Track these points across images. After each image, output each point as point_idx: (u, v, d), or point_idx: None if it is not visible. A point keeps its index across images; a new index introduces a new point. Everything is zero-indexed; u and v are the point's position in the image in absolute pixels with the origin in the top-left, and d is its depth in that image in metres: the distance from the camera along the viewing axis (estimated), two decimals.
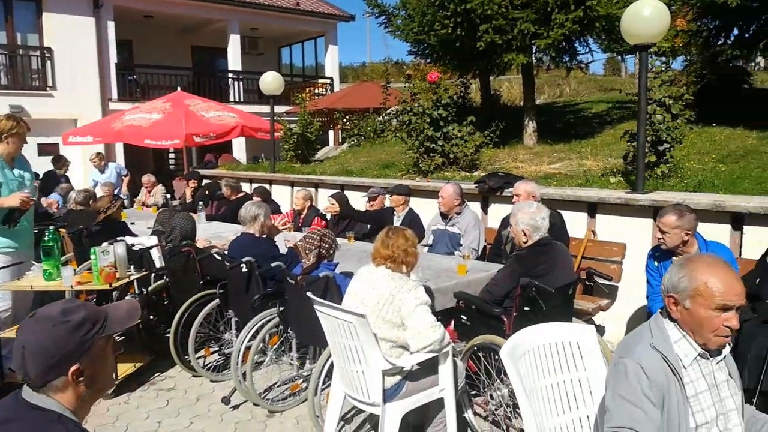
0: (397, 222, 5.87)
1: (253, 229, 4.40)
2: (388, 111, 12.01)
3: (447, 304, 3.84)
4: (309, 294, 3.16)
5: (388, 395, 3.00)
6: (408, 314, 2.95)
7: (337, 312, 2.95)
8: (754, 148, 6.54)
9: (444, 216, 5.37)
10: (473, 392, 3.73)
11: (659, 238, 3.65)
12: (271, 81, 8.84)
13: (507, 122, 7.88)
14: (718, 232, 4.34)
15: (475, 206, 5.92)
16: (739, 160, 6.13)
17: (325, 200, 6.81)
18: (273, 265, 4.04)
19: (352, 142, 12.14)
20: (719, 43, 8.57)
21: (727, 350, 1.92)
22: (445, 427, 3.23)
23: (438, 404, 3.23)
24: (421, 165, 7.26)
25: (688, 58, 10.30)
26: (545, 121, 9.53)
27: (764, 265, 3.61)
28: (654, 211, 4.67)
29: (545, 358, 2.39)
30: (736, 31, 8.44)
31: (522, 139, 8.48)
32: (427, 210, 6.03)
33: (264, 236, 4.43)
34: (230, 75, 17.77)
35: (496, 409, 3.59)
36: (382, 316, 2.96)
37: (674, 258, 3.74)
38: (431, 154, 7.19)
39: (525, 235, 3.42)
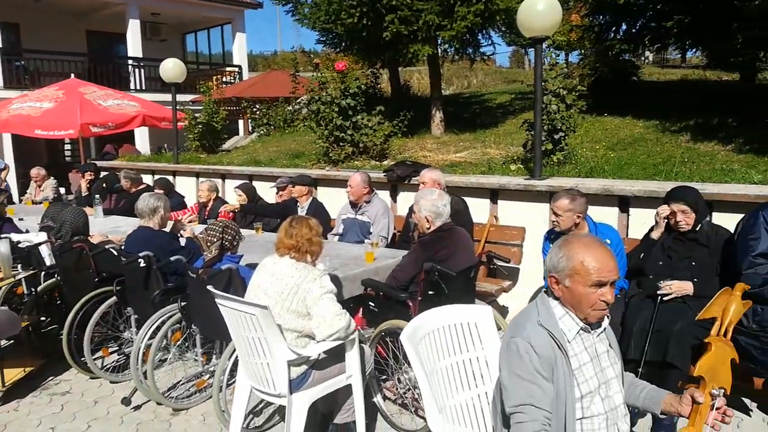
0: (300, 213, 5.83)
1: (152, 222, 4.21)
2: (298, 100, 11.85)
3: (355, 292, 3.86)
4: (209, 287, 3.06)
5: (295, 385, 2.98)
6: (313, 303, 2.93)
7: (238, 305, 2.88)
8: (641, 136, 7.03)
9: (353, 205, 5.39)
10: (383, 377, 3.78)
11: (553, 221, 3.84)
12: (172, 68, 8.47)
13: (416, 112, 8.00)
14: (607, 215, 4.64)
15: (384, 194, 5.98)
16: (627, 147, 6.57)
17: (232, 192, 6.64)
18: (172, 258, 3.89)
19: (262, 132, 11.89)
20: (610, 37, 9.12)
21: (606, 323, 2.06)
22: (354, 413, 3.25)
23: (346, 391, 3.25)
24: (331, 154, 7.24)
25: (583, 52, 10.90)
26: (452, 111, 9.77)
27: (647, 243, 3.90)
28: (550, 196, 4.88)
29: (445, 340, 2.46)
30: (624, 27, 9.03)
31: (430, 129, 8.64)
32: (337, 199, 6.03)
33: (164, 229, 4.24)
34: (130, 62, 16.88)
35: (404, 392, 3.66)
36: (287, 307, 2.93)
37: None
38: (341, 144, 7.18)
39: (428, 221, 3.49)
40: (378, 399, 3.68)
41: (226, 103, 12.52)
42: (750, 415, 3.61)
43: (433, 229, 3.50)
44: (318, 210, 5.70)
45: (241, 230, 3.78)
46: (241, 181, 6.79)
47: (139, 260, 3.89)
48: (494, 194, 5.41)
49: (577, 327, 1.96)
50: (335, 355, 3.11)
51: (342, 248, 4.67)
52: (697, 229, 3.63)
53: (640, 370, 3.33)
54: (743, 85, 9.01)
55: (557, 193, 3.89)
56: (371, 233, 5.18)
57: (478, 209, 5.34)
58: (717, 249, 3.60)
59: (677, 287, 3.52)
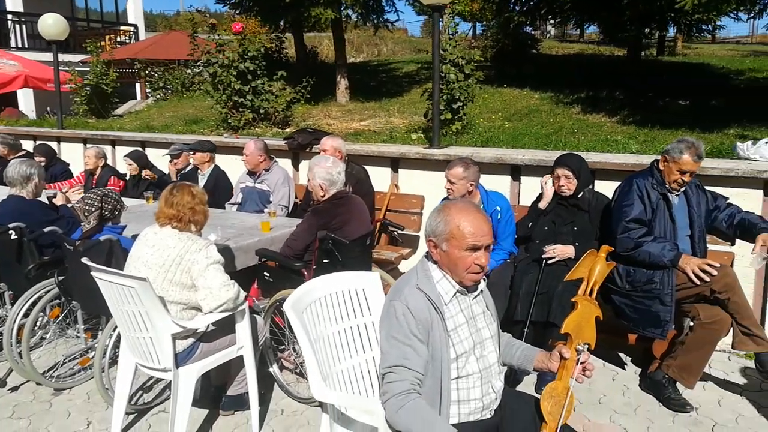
0: (202, 181, 5.61)
1: (25, 191, 3.87)
2: (197, 63, 11.30)
3: (249, 262, 3.77)
4: (85, 260, 2.87)
5: (181, 359, 2.88)
6: (199, 274, 2.82)
7: (116, 277, 2.72)
8: (536, 107, 7.32)
9: (252, 173, 5.24)
10: (281, 347, 3.75)
11: (448, 189, 3.91)
12: (52, 24, 7.77)
13: (321, 79, 7.87)
14: (500, 183, 4.80)
15: (285, 163, 5.86)
16: (524, 118, 6.82)
17: (122, 159, 6.24)
18: (46, 230, 3.61)
19: (158, 97, 11.26)
20: (510, 9, 9.34)
21: (482, 285, 2.12)
22: (247, 384, 3.20)
23: (239, 362, 3.19)
24: (230, 120, 6.97)
25: (486, 23, 11.11)
26: (359, 79, 9.70)
27: (534, 211, 4.07)
28: (447, 164, 5.00)
29: (331, 307, 2.45)
30: None
31: (335, 97, 8.54)
32: (237, 168, 5.83)
33: (37, 198, 3.91)
34: (9, 17, 15.34)
35: (302, 362, 3.65)
36: (170, 279, 2.81)
37: None
38: (240, 109, 6.93)
39: (322, 189, 3.44)
40: (274, 369, 3.65)
41: (119, 65, 11.72)
42: (625, 369, 3.91)
43: (328, 197, 3.46)
44: (219, 178, 5.50)
45: (134, 200, 3.57)
46: (132, 149, 6.39)
47: (10, 232, 3.58)
48: (395, 163, 5.44)
49: (453, 290, 2.00)
50: (225, 327, 3.03)
51: (237, 218, 4.54)
52: (579, 195, 3.82)
53: (525, 330, 3.50)
54: (630, 61, 9.56)
55: (452, 161, 3.96)
56: (271, 202, 5.07)
57: (380, 178, 5.36)
58: (597, 214, 3.81)
59: (560, 251, 3.71)
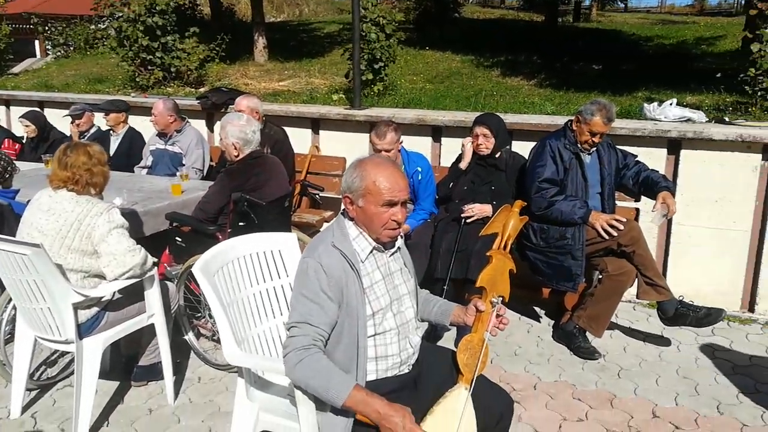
0: (114, 143, 5.27)
1: None
2: (102, 18, 10.51)
3: (160, 227, 3.58)
4: None
5: (85, 330, 2.70)
6: (101, 240, 2.63)
7: (6, 244, 2.49)
8: (457, 70, 7.34)
9: (163, 135, 4.95)
10: (198, 314, 3.61)
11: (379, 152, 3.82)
12: None
13: (239, 38, 7.53)
14: (422, 144, 4.79)
15: (199, 124, 5.59)
16: (445, 80, 6.83)
17: (18, 121, 5.74)
18: None
19: (59, 54, 10.41)
20: None
21: (400, 242, 2.09)
22: (159, 353, 3.06)
23: (151, 331, 3.04)
24: (138, 79, 6.54)
25: None
26: (278, 39, 9.37)
27: (455, 171, 4.09)
28: (370, 126, 4.93)
29: (245, 270, 2.36)
30: None
31: (253, 56, 8.20)
32: (147, 130, 5.49)
33: None
34: None
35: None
36: (67, 245, 2.60)
37: None
38: (149, 68, 6.51)
39: (235, 148, 3.29)
40: (190, 337, 3.52)
41: (14, 20, 10.72)
42: (539, 321, 4.06)
43: (242, 157, 3.31)
44: (135, 138, 5.20)
45: (32, 164, 3.26)
46: (29, 109, 5.88)
47: None
48: (315, 124, 5.30)
49: (370, 247, 1.96)
50: (133, 294, 2.86)
51: (146, 181, 4.29)
52: (497, 155, 3.87)
53: (445, 287, 3.54)
54: (547, 27, 9.76)
55: (379, 128, 3.83)
56: (184, 165, 4.83)
57: (300, 139, 5.22)
58: (513, 174, 3.88)
59: (478, 210, 3.76)
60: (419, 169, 3.98)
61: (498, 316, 2.05)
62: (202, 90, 6.50)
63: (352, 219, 1.98)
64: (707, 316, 3.36)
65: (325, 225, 5.08)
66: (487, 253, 2.16)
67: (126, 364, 3.28)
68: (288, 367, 1.82)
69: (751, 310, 4.10)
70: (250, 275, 2.37)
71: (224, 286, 2.21)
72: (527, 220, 2.42)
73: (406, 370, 2.05)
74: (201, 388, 3.22)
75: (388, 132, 3.76)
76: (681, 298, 3.50)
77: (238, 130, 3.26)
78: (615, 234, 3.37)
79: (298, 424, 1.94)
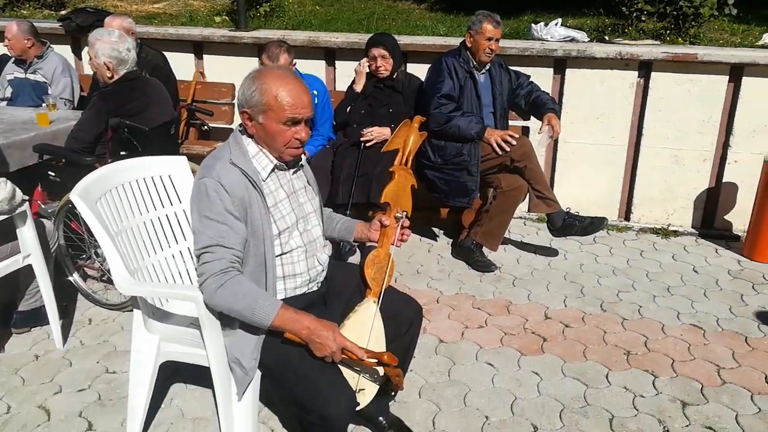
0: None
1: None
2: None
3: (27, 161, 3.22)
4: None
5: None
6: None
7: None
8: None
9: (21, 62, 4.39)
10: (82, 255, 3.34)
11: None
12: None
13: None
14: (315, 67, 4.60)
15: (64, 50, 5.00)
16: (335, 3, 6.57)
17: None
18: None
19: None
20: None
21: (303, 159, 2.00)
22: (41, 297, 2.81)
23: (28, 273, 2.77)
24: None
25: None
26: None
27: (351, 95, 3.99)
28: (258, 49, 4.67)
29: (133, 196, 2.18)
30: None
31: None
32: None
33: None
34: None
35: (108, 267, 3.29)
36: None
37: None
38: None
39: (109, 69, 2.96)
40: (76, 278, 3.27)
41: None
42: (437, 240, 4.18)
43: (117, 78, 2.99)
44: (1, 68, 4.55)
45: None
46: None
47: None
48: (198, 48, 4.93)
49: (271, 165, 1.86)
50: (2, 234, 2.57)
51: (5, 113, 3.81)
52: (394, 76, 3.81)
53: (347, 213, 3.51)
54: None
55: (272, 49, 3.60)
56: (50, 95, 4.33)
57: (182, 65, 4.83)
58: (410, 95, 3.86)
59: (377, 133, 3.72)
60: (315, 92, 3.83)
61: (402, 228, 2.05)
62: (63, 12, 5.79)
63: (251, 136, 1.85)
64: (591, 225, 3.60)
65: None
66: (390, 169, 2.13)
67: (3, 312, 2.99)
68: (207, 294, 1.71)
69: (627, 219, 4.46)
70: (138, 203, 2.19)
71: (110, 214, 2.02)
72: (426, 136, 2.40)
73: (315, 288, 2.01)
74: (93, 330, 3.02)
75: (281, 53, 3.56)
76: (568, 209, 3.71)
77: (110, 47, 2.92)
78: (508, 149, 3.48)
79: (204, 349, 1.86)
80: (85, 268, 3.40)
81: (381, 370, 1.88)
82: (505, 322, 3.11)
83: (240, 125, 1.90)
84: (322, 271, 2.02)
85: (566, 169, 4.45)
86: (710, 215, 4.30)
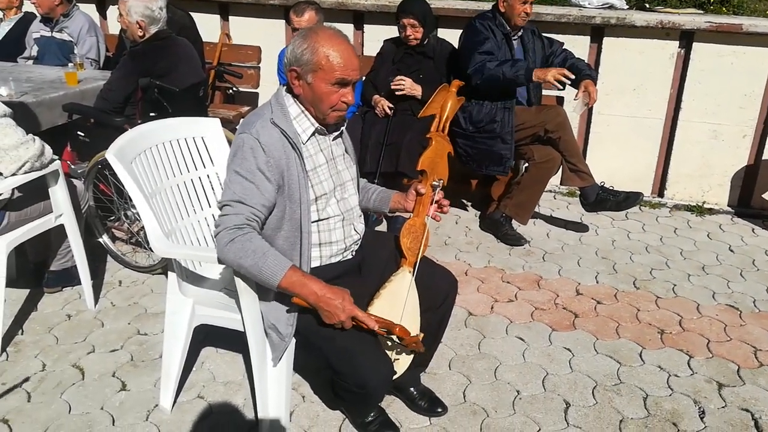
0: (4, 29, 4.61)
1: None
2: None
3: (57, 121, 3.20)
4: None
5: None
6: None
7: None
8: None
9: (48, 20, 4.36)
10: (111, 217, 3.34)
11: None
12: None
13: None
14: (342, 31, 4.48)
15: (89, 9, 4.95)
16: None
17: None
18: None
19: None
20: None
21: (344, 126, 1.95)
22: (73, 257, 2.82)
23: (60, 233, 2.77)
24: None
25: None
26: None
27: (380, 58, 3.90)
28: (285, 11, 4.56)
29: (167, 157, 2.15)
30: None
31: None
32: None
33: None
34: None
35: (138, 230, 3.30)
36: None
37: None
38: None
39: (140, 27, 2.90)
40: (105, 239, 3.28)
41: None
42: (467, 211, 4.12)
43: (148, 37, 2.93)
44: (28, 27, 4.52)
45: None
46: None
47: None
48: (224, 9, 4.84)
49: (312, 128, 1.80)
50: (35, 193, 2.56)
51: (34, 71, 3.79)
52: (425, 42, 3.70)
53: (375, 181, 3.46)
54: None
55: (299, 5, 3.54)
56: (75, 54, 4.29)
57: (208, 26, 4.74)
58: (442, 61, 3.75)
59: (409, 85, 3.61)
60: None
61: (437, 201, 2.00)
62: None
63: (295, 96, 1.79)
64: (626, 200, 3.52)
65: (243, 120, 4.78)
66: (427, 135, 2.07)
67: (35, 271, 3.01)
68: (219, 247, 1.67)
69: (661, 195, 4.36)
70: (172, 164, 2.15)
71: (144, 175, 1.99)
72: (464, 101, 2.32)
73: (350, 257, 1.98)
74: (123, 291, 3.03)
75: (307, 10, 3.47)
76: (602, 183, 3.62)
77: (143, 5, 2.86)
78: (568, 83, 3.31)
79: (240, 314, 1.85)
80: (114, 230, 3.40)
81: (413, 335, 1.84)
82: (536, 297, 3.06)
83: (284, 85, 1.84)
84: (359, 239, 1.98)
85: (600, 141, 4.33)
86: (748, 194, 4.17)
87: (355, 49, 1.77)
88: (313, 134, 1.82)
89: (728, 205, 4.20)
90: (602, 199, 3.54)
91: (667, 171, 4.27)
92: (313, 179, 1.81)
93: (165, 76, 2.92)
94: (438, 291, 2.03)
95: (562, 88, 3.34)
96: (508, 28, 3.51)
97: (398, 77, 3.61)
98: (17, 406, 2.23)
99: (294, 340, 1.90)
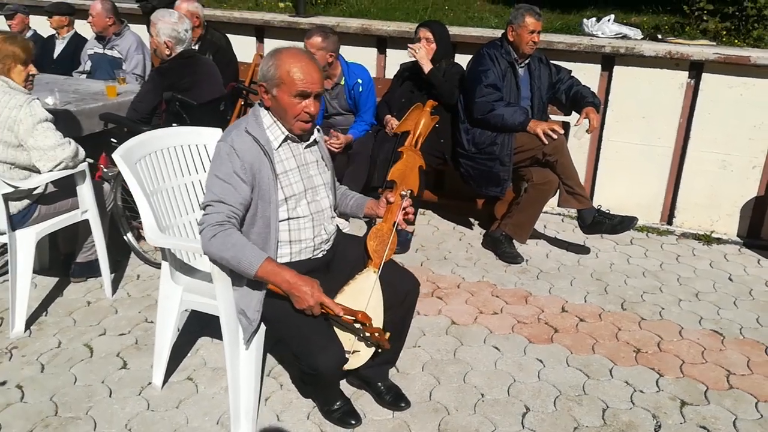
0: (59, 47, 5.12)
1: None
2: None
3: (95, 128, 3.57)
4: None
5: (17, 221, 2.76)
6: (27, 135, 2.64)
7: None
8: None
9: (101, 38, 4.81)
10: (138, 218, 3.67)
11: None
12: None
13: None
14: (366, 54, 4.77)
15: (140, 29, 5.39)
16: None
17: None
18: None
19: None
20: None
21: (317, 136, 2.17)
22: (96, 252, 3.15)
23: (87, 229, 3.11)
24: None
25: None
26: None
27: (395, 81, 4.15)
28: None
29: (169, 161, 2.43)
30: None
31: None
32: (85, 33, 5.30)
33: None
34: None
35: None
36: None
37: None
38: None
39: (167, 47, 3.24)
40: (130, 237, 3.60)
41: None
42: (472, 230, 4.27)
43: (174, 55, 3.28)
44: (80, 44, 5.02)
45: None
46: None
47: None
48: (259, 31, 5.20)
49: (283, 136, 2.04)
50: (65, 189, 2.90)
51: (82, 84, 4.21)
52: (437, 65, 3.91)
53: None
54: None
55: (310, 30, 3.87)
56: (122, 70, 4.72)
57: (244, 47, 5.12)
58: (450, 83, 3.94)
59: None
60: (360, 81, 4.00)
61: (404, 208, 2.19)
62: None
63: (267, 108, 2.04)
64: (621, 224, 3.59)
65: None
66: (399, 149, 2.27)
67: (65, 261, 3.36)
68: (204, 242, 1.92)
69: (670, 222, 4.38)
70: (175, 167, 2.43)
71: (147, 174, 2.27)
72: (437, 119, 2.52)
73: (321, 255, 2.19)
74: (140, 284, 3.34)
75: (315, 34, 3.76)
76: (599, 207, 3.71)
77: (170, 27, 3.21)
78: (555, 137, 3.49)
79: None
80: (138, 229, 3.73)
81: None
82: (521, 311, 3.18)
83: (260, 100, 2.10)
84: (328, 240, 2.20)
85: (609, 168, 4.41)
86: (757, 225, 4.15)
87: (318, 65, 2.00)
88: (285, 141, 2.05)
89: (737, 236, 4.19)
90: (598, 222, 3.63)
91: (676, 199, 4.30)
92: (283, 181, 2.04)
93: (187, 90, 3.24)
94: (400, 289, 2.21)
95: (546, 143, 3.50)
96: (515, 56, 3.69)
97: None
98: (31, 375, 2.53)
99: (264, 327, 2.12)
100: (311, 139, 2.14)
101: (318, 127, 2.17)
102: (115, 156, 2.14)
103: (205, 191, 2.01)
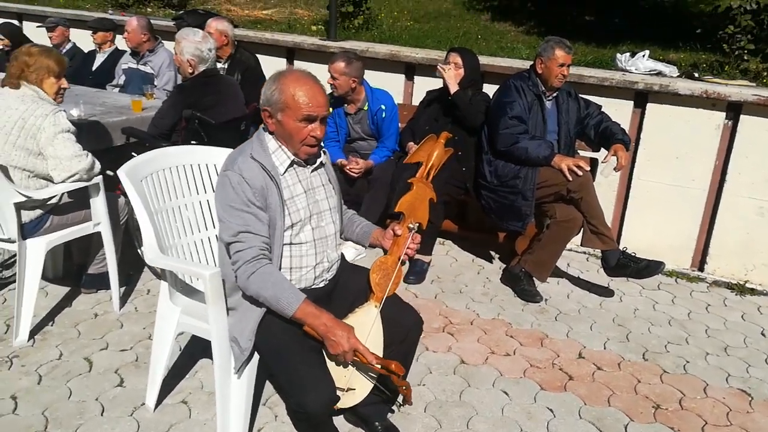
0: (99, 60, 5.25)
1: None
2: None
3: (117, 142, 3.59)
4: None
5: (29, 230, 2.76)
6: (47, 143, 2.66)
7: None
8: (447, 11, 7.19)
9: (135, 53, 4.91)
10: None
11: (331, 84, 3.81)
12: None
13: None
14: (394, 80, 4.74)
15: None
16: (432, 20, 6.69)
17: None
18: None
19: None
20: None
21: (324, 159, 2.11)
22: (107, 263, 3.14)
23: (100, 241, 3.10)
24: None
25: None
26: None
27: (421, 107, 4.10)
28: None
29: (176, 180, 2.39)
30: None
31: None
32: (122, 47, 5.43)
33: None
34: None
35: None
36: (12, 142, 2.63)
37: (345, 105, 4.00)
38: None
39: (190, 65, 3.26)
40: (143, 251, 3.59)
41: None
42: (492, 263, 4.15)
43: (197, 74, 3.29)
44: (119, 59, 5.11)
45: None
46: (3, 21, 5.78)
47: None
48: (290, 53, 5.24)
49: (289, 161, 1.98)
50: (79, 201, 2.91)
51: (110, 97, 4.27)
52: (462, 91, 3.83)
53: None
54: None
55: (334, 54, 3.86)
56: (156, 86, 4.79)
57: (274, 68, 5.10)
58: (473, 111, 3.86)
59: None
60: (383, 107, 3.96)
61: (413, 240, 2.10)
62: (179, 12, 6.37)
63: (272, 133, 1.99)
64: (647, 268, 3.43)
65: None
66: (409, 180, 2.19)
67: (77, 272, 3.36)
68: (241, 281, 1.87)
69: (701, 269, 4.18)
70: (182, 186, 2.40)
71: (153, 193, 2.24)
72: (452, 152, 2.44)
73: (322, 284, 2.11)
74: (149, 299, 3.31)
75: (338, 59, 3.75)
76: (625, 249, 3.56)
77: (194, 46, 3.22)
78: (580, 173, 3.38)
79: None
80: None
81: (374, 375, 1.93)
82: (535, 354, 3.04)
83: (263, 124, 2.05)
84: (331, 268, 2.12)
85: (638, 208, 4.25)
86: None
87: (323, 87, 1.94)
88: (291, 166, 1.99)
89: None
90: (623, 265, 3.47)
91: (709, 244, 4.10)
92: (290, 207, 1.97)
93: (208, 109, 3.24)
94: (401, 326, 2.11)
95: (570, 179, 3.39)
96: (543, 89, 3.60)
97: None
98: (27, 386, 2.50)
99: (257, 357, 2.04)
100: (317, 162, 2.08)
101: (324, 149, 2.11)
102: (120, 172, 2.11)
103: (220, 225, 1.94)
